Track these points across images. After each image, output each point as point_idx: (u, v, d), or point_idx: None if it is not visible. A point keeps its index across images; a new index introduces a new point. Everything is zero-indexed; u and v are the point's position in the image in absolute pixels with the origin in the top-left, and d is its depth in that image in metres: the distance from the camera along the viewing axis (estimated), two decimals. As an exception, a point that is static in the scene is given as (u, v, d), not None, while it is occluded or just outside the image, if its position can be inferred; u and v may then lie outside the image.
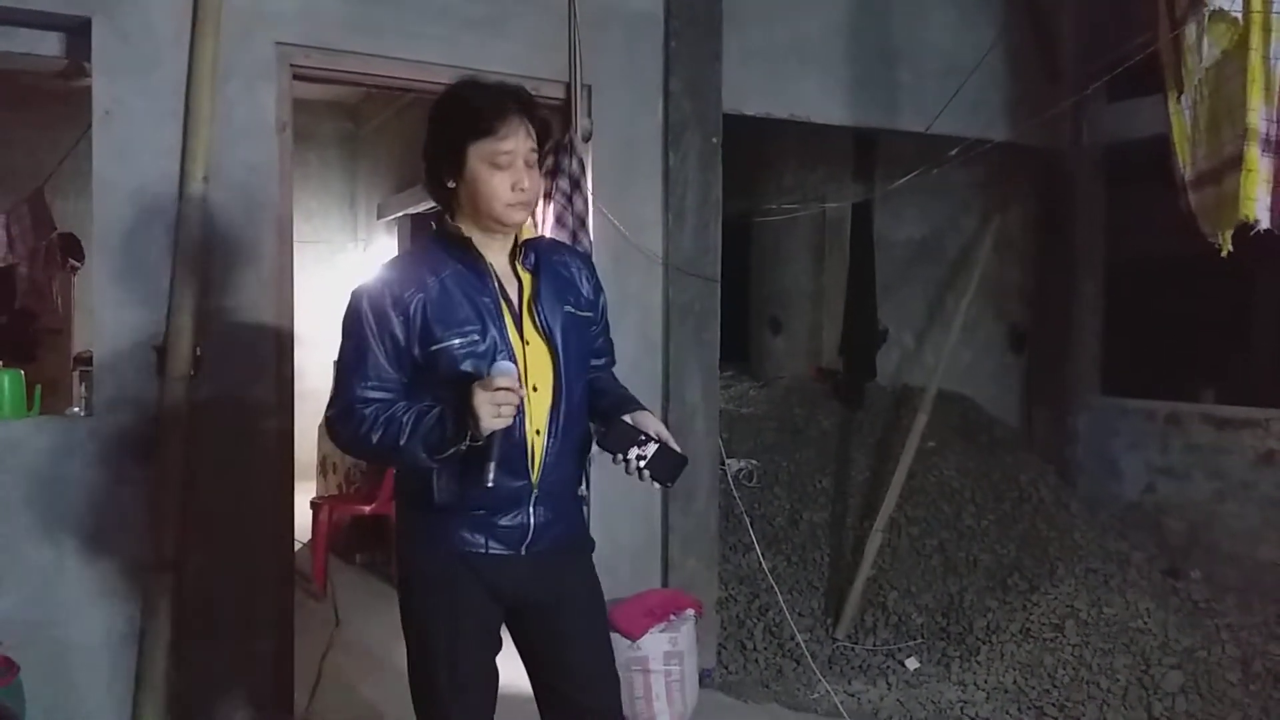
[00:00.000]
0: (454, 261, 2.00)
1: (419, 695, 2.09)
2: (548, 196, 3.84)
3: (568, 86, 3.85)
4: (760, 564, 4.26)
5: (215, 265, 3.30)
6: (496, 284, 2.01)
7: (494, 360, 1.91)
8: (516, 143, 1.94)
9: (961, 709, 3.75)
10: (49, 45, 3.26)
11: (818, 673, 3.96)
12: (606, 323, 2.23)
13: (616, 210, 3.93)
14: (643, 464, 1.91)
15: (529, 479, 1.99)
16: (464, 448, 1.84)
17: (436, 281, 1.97)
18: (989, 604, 4.19)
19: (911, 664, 4.07)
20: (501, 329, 1.97)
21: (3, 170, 7.05)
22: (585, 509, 2.23)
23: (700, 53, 4.05)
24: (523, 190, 1.96)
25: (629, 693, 3.45)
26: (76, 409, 3.59)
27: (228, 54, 3.29)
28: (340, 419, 1.97)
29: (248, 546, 3.38)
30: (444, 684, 2.03)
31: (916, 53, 4.68)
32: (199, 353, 3.24)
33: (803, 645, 4.07)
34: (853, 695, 3.91)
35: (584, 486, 2.20)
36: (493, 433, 1.82)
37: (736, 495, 4.31)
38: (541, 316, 2.01)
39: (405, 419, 1.89)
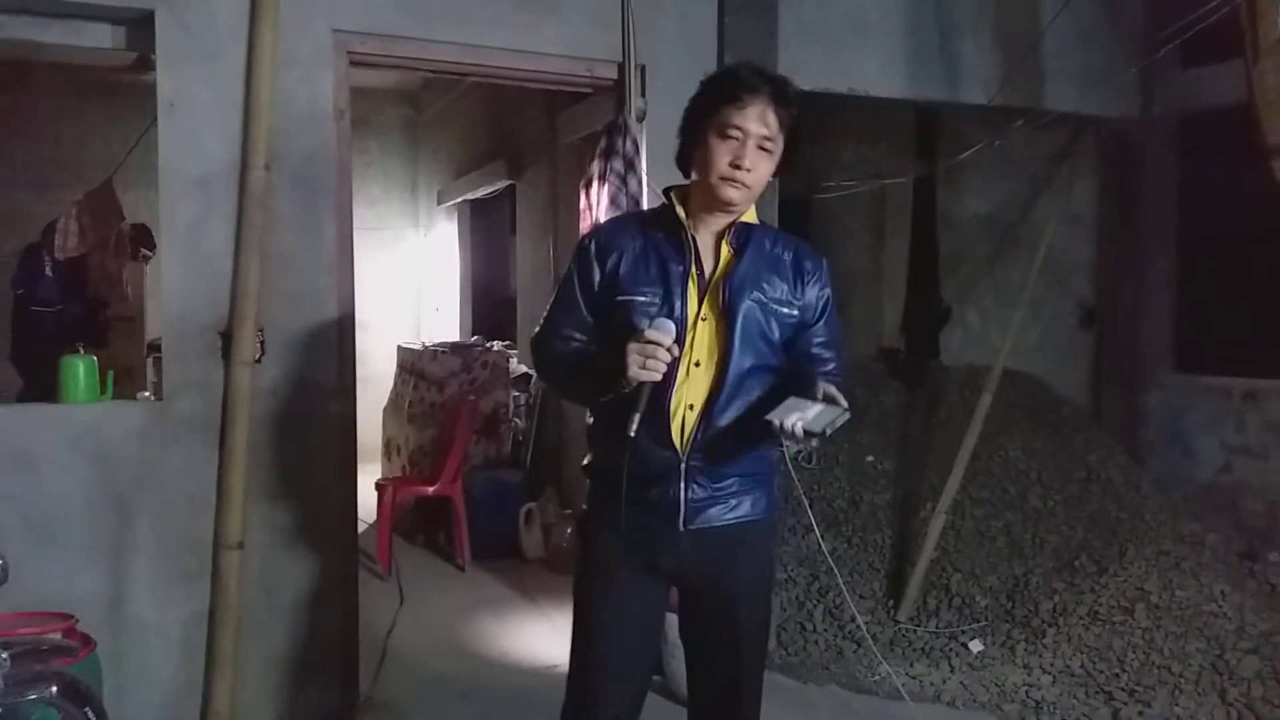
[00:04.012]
0: (662, 228, 2.09)
1: (573, 669, 2.16)
2: (602, 178, 3.83)
3: (621, 66, 3.83)
4: (820, 546, 4.22)
5: (277, 252, 3.36)
6: (693, 256, 2.05)
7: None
8: (751, 122, 1.97)
9: (1026, 692, 3.68)
10: (113, 38, 3.34)
11: (879, 655, 3.92)
12: (829, 330, 2.16)
13: (671, 189, 3.90)
14: (800, 424, 1.86)
15: (675, 450, 2.01)
16: (615, 394, 1.93)
17: (641, 241, 2.08)
18: (1056, 586, 4.10)
19: (975, 647, 4.01)
20: (683, 299, 2.02)
21: (76, 162, 7.30)
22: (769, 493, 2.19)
23: (755, 28, 3.99)
24: (739, 169, 1.98)
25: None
26: (147, 393, 3.70)
27: (286, 43, 3.33)
28: (539, 348, 2.17)
29: (313, 527, 3.45)
30: (598, 665, 2.11)
31: (979, 22, 4.55)
32: (262, 338, 3.31)
33: (863, 627, 4.03)
34: (914, 678, 3.86)
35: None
36: (641, 384, 1.89)
37: (795, 477, 4.27)
38: (725, 295, 2.03)
39: (583, 361, 2.06)
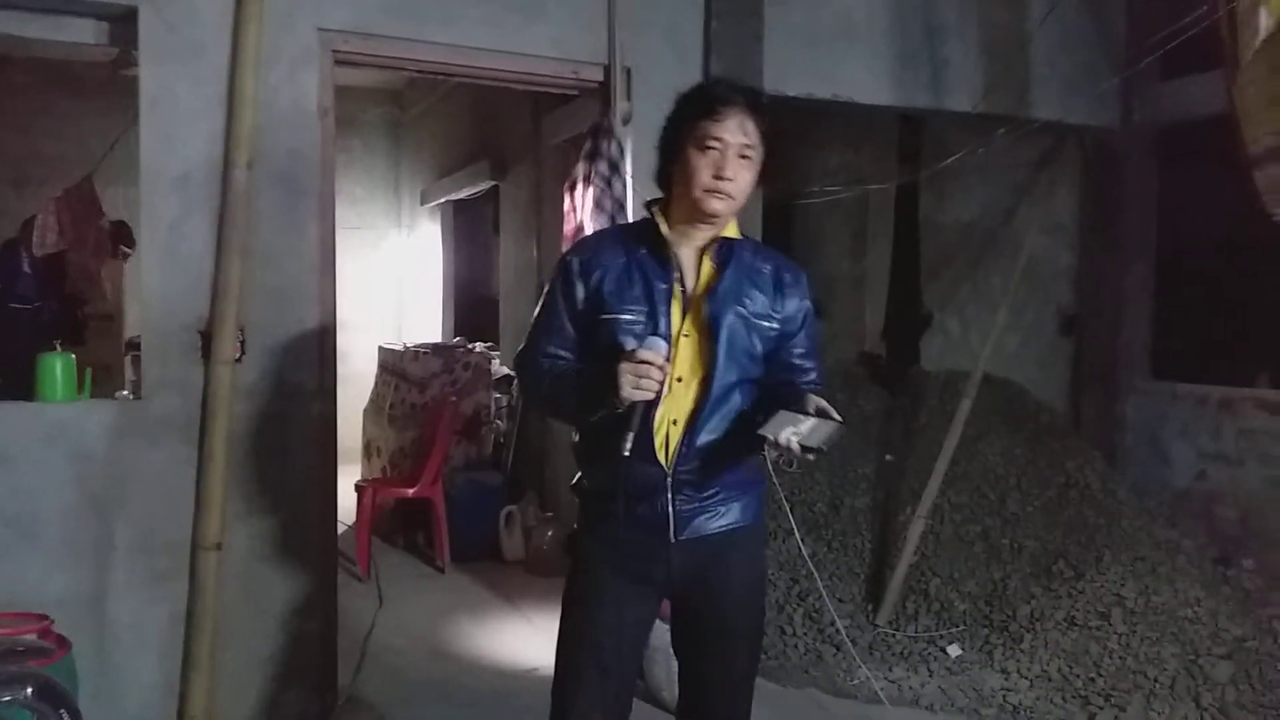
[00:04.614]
0: (645, 244, 2.08)
1: (560, 678, 2.14)
2: (587, 180, 3.83)
3: (607, 69, 3.83)
4: (800, 550, 4.23)
5: (259, 251, 3.34)
6: (677, 274, 2.05)
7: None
8: (730, 133, 1.98)
9: (1004, 697, 3.71)
10: (95, 34, 3.32)
11: (858, 659, 3.93)
12: (809, 341, 2.18)
13: (656, 194, 3.91)
14: (796, 439, 1.86)
15: (660, 465, 2.01)
16: (604, 413, 1.92)
17: (624, 258, 2.07)
18: (1033, 591, 4.13)
19: (953, 651, 4.03)
20: (667, 316, 2.02)
21: (55, 158, 7.23)
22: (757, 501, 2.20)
23: (741, 33, 4.00)
24: (722, 179, 1.98)
25: (666, 675, 3.45)
26: (125, 392, 3.67)
27: (271, 40, 3.32)
28: (523, 365, 2.17)
29: (292, 528, 3.43)
30: (586, 675, 2.08)
31: (964, 30, 4.58)
32: (243, 337, 3.29)
33: (843, 631, 4.05)
34: (893, 682, 3.88)
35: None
36: (634, 404, 1.88)
37: (776, 480, 4.27)
38: (709, 310, 2.04)
39: (570, 379, 2.04)
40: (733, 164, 1.99)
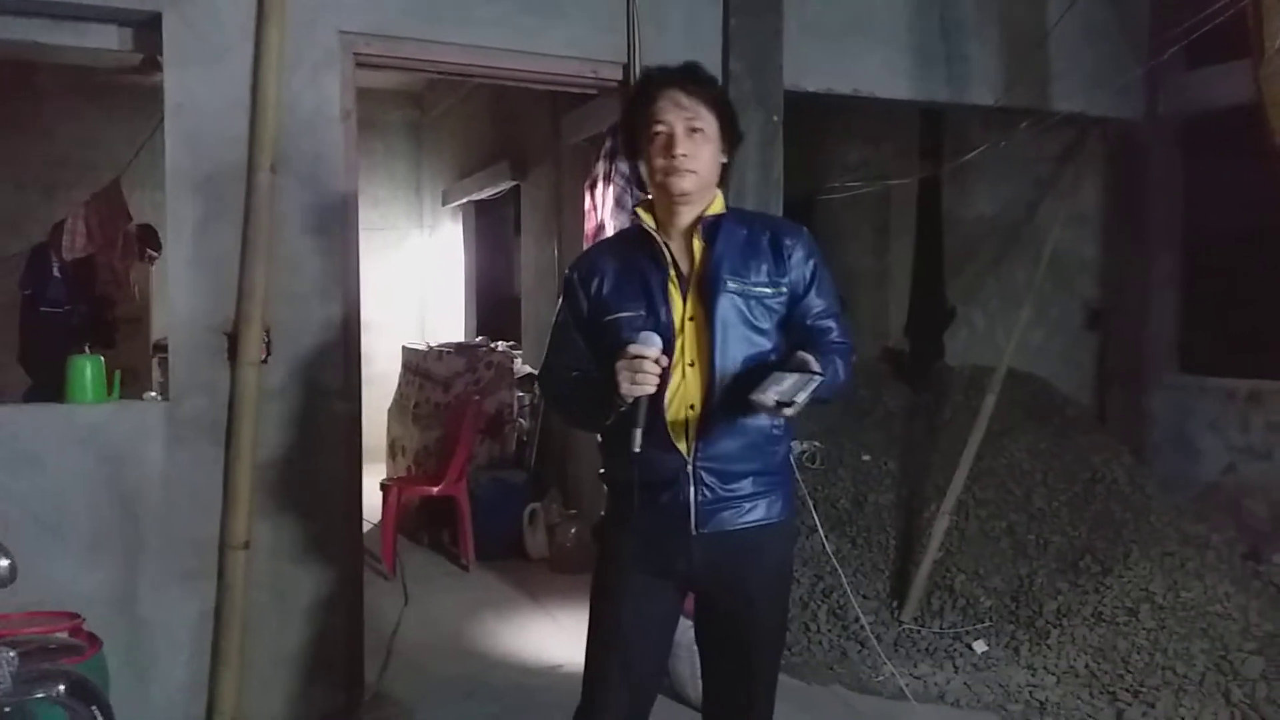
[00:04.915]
0: (638, 243, 2.11)
1: (587, 670, 2.15)
2: (607, 179, 3.84)
3: (626, 67, 3.83)
4: (824, 546, 4.23)
5: (283, 253, 3.37)
6: (670, 263, 2.07)
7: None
8: (669, 111, 2.02)
9: (1030, 693, 3.68)
10: (120, 40, 3.36)
11: (883, 655, 3.92)
12: (824, 299, 2.12)
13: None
14: (775, 396, 1.84)
15: (679, 453, 2.02)
16: (613, 414, 1.96)
17: (620, 261, 2.12)
18: (1060, 587, 4.10)
19: (979, 647, 4.01)
20: (666, 305, 2.03)
21: (83, 163, 7.32)
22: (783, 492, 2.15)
23: (760, 29, 4.00)
24: (674, 156, 2.01)
25: (690, 671, 3.46)
26: (154, 394, 3.71)
27: (293, 43, 3.35)
28: (542, 377, 2.29)
29: (319, 527, 3.46)
30: (610, 666, 2.10)
31: (984, 23, 4.55)
32: (269, 338, 3.32)
33: (867, 628, 4.03)
34: (919, 678, 3.86)
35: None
36: (637, 399, 1.90)
37: (800, 477, 4.28)
38: (702, 292, 2.05)
39: (582, 387, 2.10)
40: (683, 140, 2.01)
